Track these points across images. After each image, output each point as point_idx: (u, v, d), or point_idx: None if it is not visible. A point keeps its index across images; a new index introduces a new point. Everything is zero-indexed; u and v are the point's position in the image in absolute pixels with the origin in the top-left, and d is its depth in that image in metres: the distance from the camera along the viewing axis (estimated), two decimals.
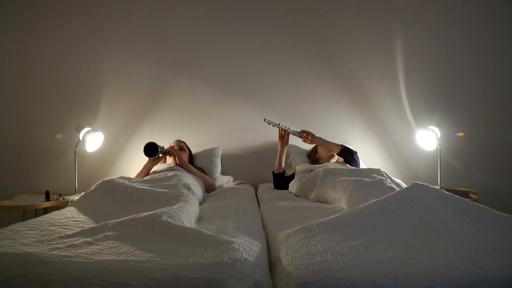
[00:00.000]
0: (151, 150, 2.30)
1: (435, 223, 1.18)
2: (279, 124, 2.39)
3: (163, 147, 2.41)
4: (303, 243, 1.11)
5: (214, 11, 2.98)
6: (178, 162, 2.40)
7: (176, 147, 2.51)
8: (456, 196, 1.33)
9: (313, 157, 2.66)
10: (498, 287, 0.89)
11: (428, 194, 1.31)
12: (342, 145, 2.44)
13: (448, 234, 1.12)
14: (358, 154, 2.48)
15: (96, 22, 2.95)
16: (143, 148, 2.31)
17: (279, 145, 2.49)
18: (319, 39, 3.01)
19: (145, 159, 2.44)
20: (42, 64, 2.95)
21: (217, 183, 2.66)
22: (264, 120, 2.32)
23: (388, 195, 1.32)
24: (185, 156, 2.56)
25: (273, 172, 2.54)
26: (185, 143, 2.70)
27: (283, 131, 2.45)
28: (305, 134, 2.43)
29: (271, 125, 2.36)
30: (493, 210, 1.26)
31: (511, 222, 1.20)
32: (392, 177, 2.08)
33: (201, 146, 2.92)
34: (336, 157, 2.54)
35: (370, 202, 1.29)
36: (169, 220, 1.21)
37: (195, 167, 2.53)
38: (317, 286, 0.87)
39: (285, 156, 2.57)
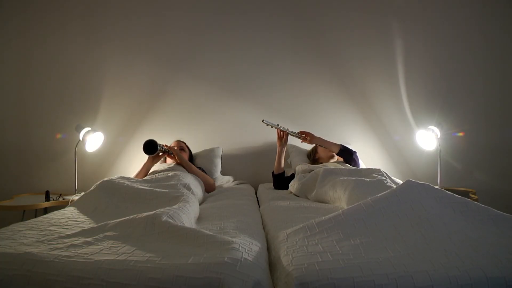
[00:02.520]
0: (150, 147, 2.27)
1: (435, 222, 1.18)
2: (278, 125, 2.38)
3: (163, 146, 2.40)
4: (303, 243, 1.11)
5: (214, 12, 2.98)
6: (178, 161, 2.40)
7: (176, 148, 2.51)
8: (456, 195, 1.33)
9: (313, 157, 2.66)
10: (498, 287, 0.89)
11: (428, 194, 1.31)
12: (341, 144, 2.44)
13: (447, 233, 1.12)
14: (357, 154, 2.48)
15: (96, 22, 2.95)
16: (142, 146, 2.28)
17: (278, 146, 2.49)
18: (319, 39, 3.01)
19: (145, 158, 2.43)
20: (42, 64, 2.95)
21: (217, 183, 2.66)
22: (262, 121, 2.32)
23: (387, 193, 1.31)
24: (185, 156, 2.56)
25: (272, 172, 2.54)
26: (185, 143, 2.70)
27: (281, 132, 2.44)
28: (304, 135, 2.43)
29: (269, 126, 2.35)
30: (493, 209, 1.26)
31: (511, 222, 1.20)
32: (392, 177, 2.08)
33: (201, 146, 2.92)
34: (336, 157, 2.54)
35: (369, 199, 1.29)
36: (169, 220, 1.21)
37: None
38: (317, 286, 0.87)
39: (285, 156, 2.56)
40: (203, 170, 2.56)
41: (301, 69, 3.01)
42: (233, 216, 1.56)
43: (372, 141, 3.02)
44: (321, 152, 2.58)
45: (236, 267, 0.91)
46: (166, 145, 2.44)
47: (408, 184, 1.35)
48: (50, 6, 2.92)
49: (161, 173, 2.16)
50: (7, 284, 0.91)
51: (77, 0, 2.94)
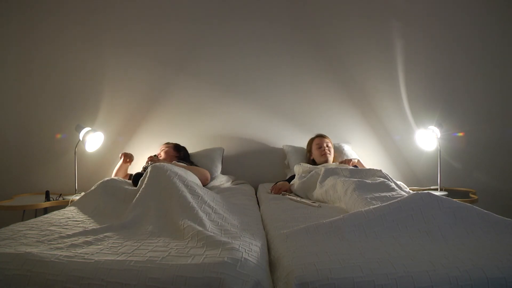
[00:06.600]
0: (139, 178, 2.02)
1: (434, 236, 1.16)
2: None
3: (148, 165, 2.30)
4: (302, 243, 1.11)
5: (214, 14, 2.97)
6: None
7: (160, 152, 2.55)
8: (458, 201, 1.31)
9: (308, 157, 2.65)
10: (498, 287, 0.89)
11: (431, 200, 1.29)
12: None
13: (446, 244, 1.12)
14: None
15: (96, 23, 2.94)
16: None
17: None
18: (319, 40, 3.00)
19: (144, 159, 2.43)
20: (42, 64, 2.94)
21: (217, 183, 2.65)
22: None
23: (390, 202, 1.29)
24: (168, 156, 2.55)
25: (276, 182, 2.50)
26: (174, 145, 2.68)
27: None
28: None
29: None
30: (494, 215, 1.24)
31: (511, 226, 1.19)
32: (393, 179, 2.06)
33: (202, 145, 2.91)
34: (331, 160, 2.54)
35: (371, 207, 1.28)
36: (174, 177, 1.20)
37: (191, 164, 2.53)
38: (317, 286, 0.87)
39: (283, 156, 2.55)
40: (195, 165, 2.53)
41: (302, 70, 3.00)
42: (233, 216, 1.56)
43: (372, 141, 3.02)
44: (315, 151, 2.58)
45: (236, 267, 0.91)
46: (149, 161, 2.37)
47: (411, 195, 1.33)
48: (51, 6, 2.92)
49: None
50: (7, 284, 0.91)
51: (77, 1, 2.94)
